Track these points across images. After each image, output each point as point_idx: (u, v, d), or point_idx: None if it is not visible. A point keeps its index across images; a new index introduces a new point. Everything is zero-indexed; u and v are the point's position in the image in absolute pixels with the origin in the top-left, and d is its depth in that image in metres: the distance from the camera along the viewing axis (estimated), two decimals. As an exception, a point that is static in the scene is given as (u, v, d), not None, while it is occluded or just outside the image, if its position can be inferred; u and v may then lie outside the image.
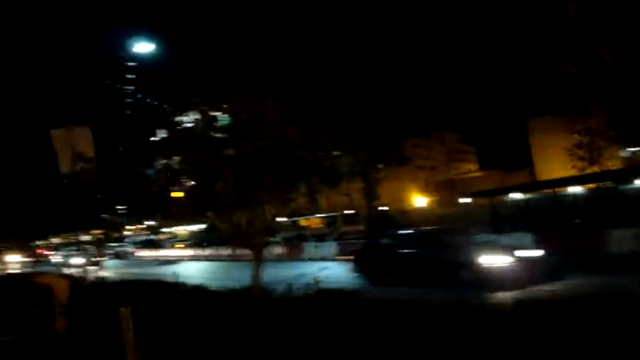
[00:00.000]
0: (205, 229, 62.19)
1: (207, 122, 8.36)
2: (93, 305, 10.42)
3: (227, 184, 8.13)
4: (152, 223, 39.96)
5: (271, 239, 36.20)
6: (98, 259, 29.13)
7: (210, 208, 8.54)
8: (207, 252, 36.69)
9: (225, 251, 34.90)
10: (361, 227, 34.96)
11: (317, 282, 8.08)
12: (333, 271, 17.94)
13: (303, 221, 39.21)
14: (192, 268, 27.74)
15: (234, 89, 8.17)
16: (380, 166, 39.22)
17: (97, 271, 24.54)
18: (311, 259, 26.46)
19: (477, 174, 66.25)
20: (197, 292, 8.51)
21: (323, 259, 25.73)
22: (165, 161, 9.32)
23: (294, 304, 6.53)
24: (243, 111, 7.73)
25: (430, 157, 68.28)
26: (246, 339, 5.81)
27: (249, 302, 7.35)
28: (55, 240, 42.71)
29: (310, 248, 27.64)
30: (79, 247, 41.57)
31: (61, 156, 15.32)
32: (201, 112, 8.48)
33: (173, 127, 8.70)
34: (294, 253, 28.79)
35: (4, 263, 29.31)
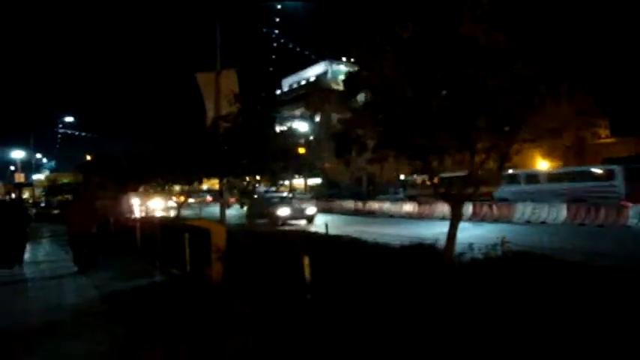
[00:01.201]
0: (322, 183, 62.36)
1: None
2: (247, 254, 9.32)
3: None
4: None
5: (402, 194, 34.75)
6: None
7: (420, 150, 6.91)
8: (330, 205, 35.64)
9: (348, 205, 34.15)
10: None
11: (505, 242, 6.24)
12: (473, 232, 16.10)
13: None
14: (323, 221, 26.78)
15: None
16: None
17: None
18: (444, 219, 24.66)
19: (610, 140, 60.68)
20: (366, 247, 7.21)
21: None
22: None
23: (493, 268, 5.34)
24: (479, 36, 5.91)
25: (557, 118, 62.88)
26: (443, 305, 5.01)
27: (439, 264, 6.01)
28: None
29: (444, 207, 25.67)
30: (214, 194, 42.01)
31: (207, 100, 14.85)
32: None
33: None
34: (426, 211, 27.17)
35: (150, 209, 29.68)
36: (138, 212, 23.83)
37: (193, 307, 8.34)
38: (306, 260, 6.68)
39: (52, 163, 55.68)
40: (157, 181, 22.10)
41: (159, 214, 26.95)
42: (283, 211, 24.68)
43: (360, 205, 33.41)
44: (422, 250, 6.61)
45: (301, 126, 50.80)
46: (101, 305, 8.87)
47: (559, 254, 5.42)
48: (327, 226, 12.65)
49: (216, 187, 23.73)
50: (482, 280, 5.10)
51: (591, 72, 6.83)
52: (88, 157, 34.28)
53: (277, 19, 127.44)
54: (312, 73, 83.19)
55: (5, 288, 11.26)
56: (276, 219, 23.94)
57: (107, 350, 6.10)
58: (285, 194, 29.87)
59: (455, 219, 7.44)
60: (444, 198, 7.95)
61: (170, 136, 26.26)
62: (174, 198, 27.75)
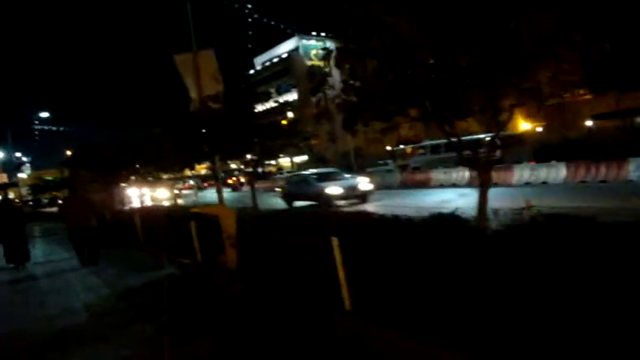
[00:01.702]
0: (308, 160, 61.71)
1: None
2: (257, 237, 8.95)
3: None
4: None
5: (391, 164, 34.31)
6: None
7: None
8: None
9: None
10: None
11: (531, 206, 5.89)
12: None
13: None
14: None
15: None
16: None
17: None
18: (442, 186, 24.61)
19: (588, 97, 60.70)
20: (398, 224, 6.50)
21: (455, 185, 23.77)
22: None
23: (535, 233, 4.79)
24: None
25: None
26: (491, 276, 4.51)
27: (473, 232, 5.48)
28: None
29: (439, 174, 25.59)
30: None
31: (188, 82, 14.27)
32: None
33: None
34: (418, 180, 26.98)
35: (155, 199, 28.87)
36: (137, 202, 23.30)
37: (215, 297, 8.01)
38: (335, 242, 6.28)
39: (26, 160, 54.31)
40: (147, 169, 21.59)
41: (159, 203, 26.37)
42: (334, 190, 20.19)
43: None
44: (452, 221, 6.26)
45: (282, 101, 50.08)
46: (118, 303, 8.49)
47: (586, 214, 4.96)
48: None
49: (201, 172, 23.25)
50: (531, 246, 4.79)
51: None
52: (68, 152, 33.45)
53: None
54: (283, 49, 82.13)
55: (16, 290, 10.81)
56: (326, 199, 19.68)
57: (144, 354, 5.73)
58: (331, 169, 24.74)
59: (484, 185, 7.13)
60: (470, 164, 7.64)
61: (153, 122, 25.57)
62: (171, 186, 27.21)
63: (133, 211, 18.00)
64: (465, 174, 22.84)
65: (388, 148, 45.75)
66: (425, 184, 25.95)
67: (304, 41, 78.45)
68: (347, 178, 22.34)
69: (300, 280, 6.72)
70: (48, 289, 10.48)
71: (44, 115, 42.71)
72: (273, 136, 12.54)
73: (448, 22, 6.08)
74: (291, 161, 65.86)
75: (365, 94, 7.64)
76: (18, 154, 52.47)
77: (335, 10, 7.48)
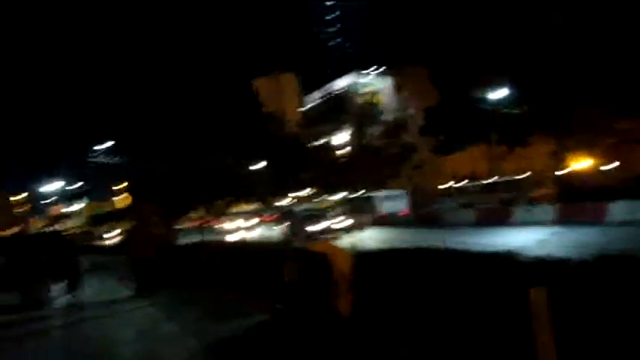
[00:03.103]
0: (347, 197, 59.13)
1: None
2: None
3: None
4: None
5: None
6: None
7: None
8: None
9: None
10: (550, 191, 30.29)
11: None
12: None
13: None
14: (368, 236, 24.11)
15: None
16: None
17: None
18: (524, 223, 22.27)
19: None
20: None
21: (538, 223, 21.43)
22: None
23: None
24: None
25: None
26: None
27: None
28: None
29: (521, 212, 23.32)
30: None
31: (267, 106, 13.16)
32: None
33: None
34: (496, 218, 24.67)
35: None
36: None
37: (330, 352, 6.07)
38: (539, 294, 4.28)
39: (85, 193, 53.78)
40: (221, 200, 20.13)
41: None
42: None
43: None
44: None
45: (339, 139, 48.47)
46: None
47: None
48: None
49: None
50: None
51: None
52: (117, 187, 32.47)
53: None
54: (339, 85, 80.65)
55: (90, 344, 8.72)
56: None
57: None
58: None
59: None
60: None
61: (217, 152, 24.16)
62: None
63: (205, 245, 16.37)
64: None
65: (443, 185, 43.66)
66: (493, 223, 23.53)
67: (361, 78, 76.86)
68: None
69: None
70: (125, 339, 8.61)
71: (105, 145, 41.53)
72: (380, 165, 10.52)
73: None
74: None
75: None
76: (73, 187, 52.10)
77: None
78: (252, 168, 19.47)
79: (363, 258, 7.93)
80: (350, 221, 24.93)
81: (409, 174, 41.64)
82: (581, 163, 46.74)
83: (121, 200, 73.50)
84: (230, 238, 23.77)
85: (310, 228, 22.25)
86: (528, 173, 32.53)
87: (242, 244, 13.48)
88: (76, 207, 66.59)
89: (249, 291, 10.59)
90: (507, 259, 5.35)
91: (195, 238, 20.70)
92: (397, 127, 42.20)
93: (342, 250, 8.08)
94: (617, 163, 43.75)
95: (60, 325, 10.30)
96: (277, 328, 8.10)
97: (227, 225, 27.15)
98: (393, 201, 34.53)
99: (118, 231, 35.86)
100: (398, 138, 41.09)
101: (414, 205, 37.47)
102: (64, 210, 58.49)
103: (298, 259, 8.71)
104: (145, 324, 9.45)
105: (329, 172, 11.64)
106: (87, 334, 9.27)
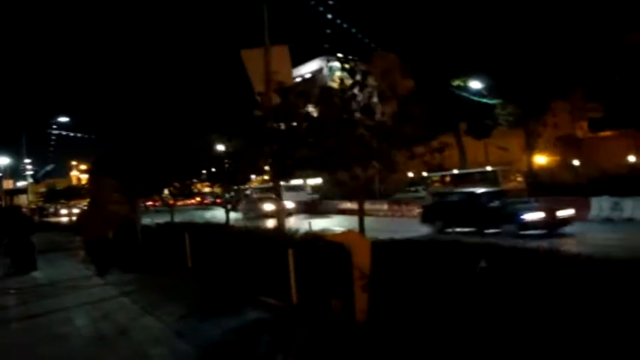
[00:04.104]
0: (327, 182, 57.53)
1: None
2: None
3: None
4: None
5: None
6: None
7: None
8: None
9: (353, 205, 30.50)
10: (518, 184, 29.85)
11: None
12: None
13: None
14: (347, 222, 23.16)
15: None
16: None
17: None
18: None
19: (608, 133, 57.70)
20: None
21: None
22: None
23: None
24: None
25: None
26: None
27: None
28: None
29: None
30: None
31: (254, 79, 12.09)
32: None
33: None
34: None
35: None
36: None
37: None
38: None
39: (49, 167, 50.78)
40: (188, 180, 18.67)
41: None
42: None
43: (395, 206, 30.07)
44: None
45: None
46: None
47: None
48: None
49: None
50: None
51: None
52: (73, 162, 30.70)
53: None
54: (306, 70, 79.05)
55: (65, 345, 7.15)
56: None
57: None
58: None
59: None
60: None
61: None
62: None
63: (174, 226, 15.03)
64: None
65: (411, 174, 42.84)
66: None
67: (329, 63, 75.34)
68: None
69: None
70: (103, 337, 7.20)
71: (63, 119, 38.89)
72: (397, 144, 9.19)
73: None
74: (304, 182, 62.55)
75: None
76: (28, 160, 49.08)
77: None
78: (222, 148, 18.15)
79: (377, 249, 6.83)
80: (272, 207, 24.66)
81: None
82: (549, 157, 47.21)
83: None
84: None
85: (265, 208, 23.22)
86: (500, 167, 32.08)
87: (234, 230, 12.13)
88: (32, 181, 63.27)
89: (234, 281, 9.43)
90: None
91: (167, 218, 19.24)
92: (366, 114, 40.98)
93: (362, 240, 6.92)
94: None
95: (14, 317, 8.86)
96: (281, 334, 6.83)
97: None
98: (295, 191, 38.18)
99: (76, 210, 34.77)
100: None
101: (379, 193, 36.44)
102: (19, 184, 55.35)
103: (307, 249, 7.55)
104: (129, 322, 7.98)
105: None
106: (47, 332, 7.73)
